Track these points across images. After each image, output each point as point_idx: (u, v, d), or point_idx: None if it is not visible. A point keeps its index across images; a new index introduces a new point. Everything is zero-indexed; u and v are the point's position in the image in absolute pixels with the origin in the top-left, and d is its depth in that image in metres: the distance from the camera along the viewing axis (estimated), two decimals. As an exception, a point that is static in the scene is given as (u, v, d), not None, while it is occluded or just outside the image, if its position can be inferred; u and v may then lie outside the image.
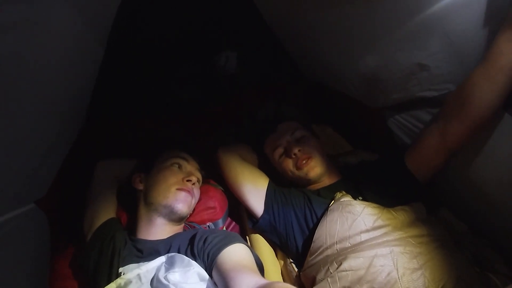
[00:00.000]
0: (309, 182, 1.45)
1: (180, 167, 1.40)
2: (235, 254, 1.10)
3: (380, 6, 1.07)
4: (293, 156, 1.43)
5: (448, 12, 1.01)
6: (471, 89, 1.07)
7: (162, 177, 1.34)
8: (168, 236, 1.29)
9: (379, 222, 1.17)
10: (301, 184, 1.48)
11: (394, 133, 1.48)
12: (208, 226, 1.52)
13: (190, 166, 1.43)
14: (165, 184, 1.32)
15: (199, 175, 1.45)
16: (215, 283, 1.08)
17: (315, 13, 1.27)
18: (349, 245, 1.16)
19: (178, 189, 1.31)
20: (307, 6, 1.28)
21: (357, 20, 1.17)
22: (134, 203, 1.37)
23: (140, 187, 1.37)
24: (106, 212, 1.38)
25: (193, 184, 1.37)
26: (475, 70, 1.06)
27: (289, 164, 1.45)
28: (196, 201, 1.41)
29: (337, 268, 1.12)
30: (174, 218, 1.30)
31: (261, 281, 0.93)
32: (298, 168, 1.42)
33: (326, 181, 1.45)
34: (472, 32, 1.06)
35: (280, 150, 1.49)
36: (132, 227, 1.35)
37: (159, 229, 1.29)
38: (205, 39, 1.98)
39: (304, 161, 1.41)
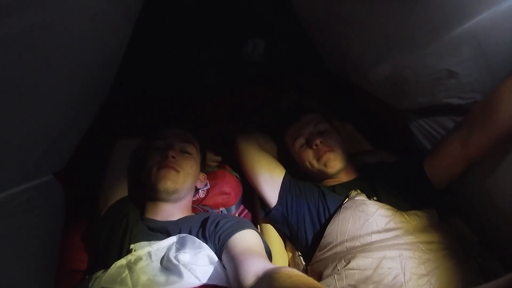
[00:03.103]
0: (326, 176, 1.44)
1: (158, 148, 1.36)
2: (246, 239, 1.12)
3: (416, 10, 1.06)
4: (314, 147, 1.42)
5: (484, 23, 1.00)
6: (499, 102, 1.06)
7: (146, 160, 1.34)
8: (178, 218, 1.29)
9: (391, 225, 1.17)
10: (318, 177, 1.48)
11: (415, 136, 1.47)
12: (221, 211, 1.53)
13: (170, 140, 1.38)
14: (147, 167, 1.31)
15: (183, 146, 1.39)
16: (224, 266, 1.10)
17: (348, 7, 1.26)
18: (359, 244, 1.16)
19: (158, 168, 1.29)
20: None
21: (390, 20, 1.15)
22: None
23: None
24: (122, 190, 1.40)
25: (173, 157, 1.32)
26: (505, 83, 1.05)
27: (309, 155, 1.44)
28: (190, 173, 1.35)
29: (345, 266, 1.13)
30: (165, 197, 1.28)
31: (269, 265, 0.95)
32: (317, 159, 1.41)
33: (343, 178, 1.44)
34: (505, 44, 1.04)
35: (301, 140, 1.47)
36: (142, 206, 1.35)
37: (161, 210, 1.29)
38: (232, 25, 1.98)
39: (324, 154, 1.40)
